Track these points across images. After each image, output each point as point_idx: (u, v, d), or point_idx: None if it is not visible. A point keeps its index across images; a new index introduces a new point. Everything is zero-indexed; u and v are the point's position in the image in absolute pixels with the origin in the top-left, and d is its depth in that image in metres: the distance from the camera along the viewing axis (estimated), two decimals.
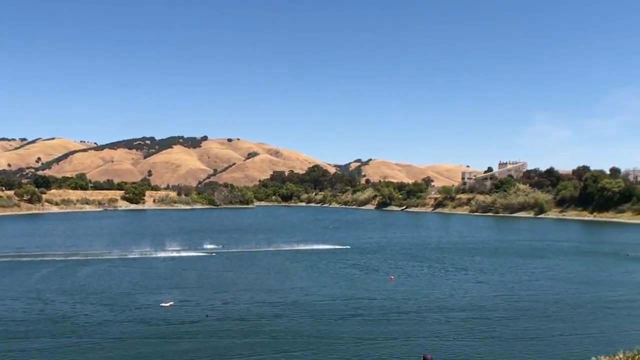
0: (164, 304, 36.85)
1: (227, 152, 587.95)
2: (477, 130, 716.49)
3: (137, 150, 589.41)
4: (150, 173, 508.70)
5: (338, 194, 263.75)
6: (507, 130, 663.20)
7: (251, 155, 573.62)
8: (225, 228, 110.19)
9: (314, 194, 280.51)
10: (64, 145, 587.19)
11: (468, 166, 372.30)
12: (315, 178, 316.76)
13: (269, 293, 42.00)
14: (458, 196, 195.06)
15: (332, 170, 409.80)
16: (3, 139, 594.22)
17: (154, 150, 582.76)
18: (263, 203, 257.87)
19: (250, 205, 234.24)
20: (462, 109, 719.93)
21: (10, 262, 57.61)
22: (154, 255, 63.22)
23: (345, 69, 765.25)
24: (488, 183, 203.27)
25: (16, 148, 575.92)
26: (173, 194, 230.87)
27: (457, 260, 62.15)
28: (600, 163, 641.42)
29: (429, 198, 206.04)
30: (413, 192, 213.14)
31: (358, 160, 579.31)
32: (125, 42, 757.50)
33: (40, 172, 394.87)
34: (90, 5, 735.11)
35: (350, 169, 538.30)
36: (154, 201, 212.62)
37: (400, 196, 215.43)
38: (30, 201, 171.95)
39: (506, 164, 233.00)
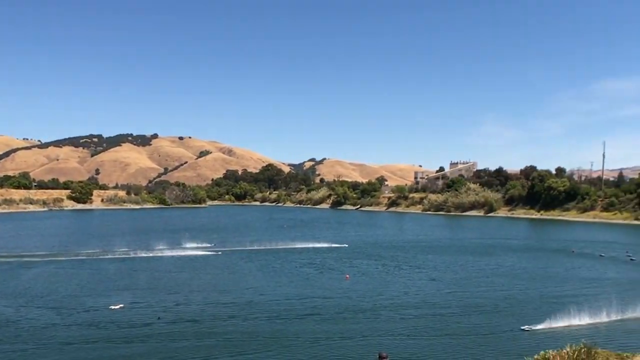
0: (113, 307, 35.63)
1: (179, 150, 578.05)
2: (429, 131, 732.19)
3: (83, 148, 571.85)
4: (97, 172, 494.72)
5: (292, 193, 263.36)
6: (458, 130, 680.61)
7: (203, 153, 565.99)
8: (177, 228, 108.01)
9: (268, 193, 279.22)
10: (6, 142, 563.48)
11: (420, 166, 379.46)
12: (269, 177, 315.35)
13: (222, 293, 41.29)
14: (411, 195, 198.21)
15: (286, 170, 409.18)
16: None
17: (101, 148, 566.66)
18: (216, 202, 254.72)
19: (203, 205, 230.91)
20: (415, 109, 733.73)
21: None
22: (103, 257, 61.23)
23: (299, 69, 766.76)
24: (440, 182, 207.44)
25: None
26: (122, 193, 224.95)
27: (410, 258, 62.96)
28: (547, 163, 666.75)
29: (383, 197, 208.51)
30: (367, 191, 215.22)
31: (312, 160, 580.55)
32: (69, 37, 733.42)
33: None
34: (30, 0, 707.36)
35: (304, 168, 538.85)
36: (102, 201, 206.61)
37: (354, 195, 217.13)
38: None
39: (457, 163, 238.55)
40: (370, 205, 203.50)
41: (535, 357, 16.70)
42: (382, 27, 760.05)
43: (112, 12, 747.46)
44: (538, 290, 43.56)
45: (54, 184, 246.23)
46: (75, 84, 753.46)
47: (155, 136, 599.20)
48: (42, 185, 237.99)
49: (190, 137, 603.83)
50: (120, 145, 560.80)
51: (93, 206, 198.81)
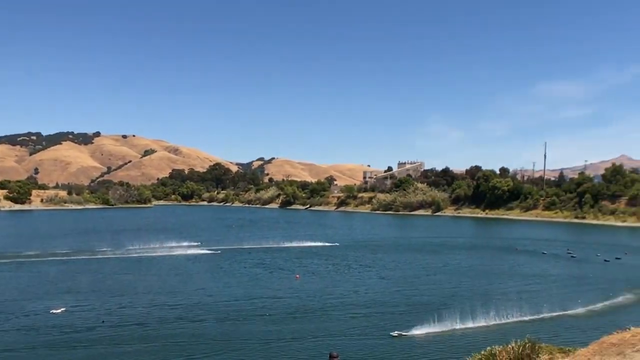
0: (54, 310, 34.07)
1: (122, 149, 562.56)
2: (378, 131, 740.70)
3: (21, 146, 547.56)
4: (37, 171, 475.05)
5: (241, 192, 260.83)
6: (405, 131, 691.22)
7: (148, 152, 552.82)
8: (121, 229, 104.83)
9: (215, 192, 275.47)
10: None
11: (369, 165, 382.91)
12: (217, 176, 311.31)
13: (169, 295, 40.25)
14: (360, 195, 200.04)
15: (234, 169, 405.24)
16: None
17: (40, 146, 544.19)
18: (162, 202, 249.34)
19: (148, 205, 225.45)
20: (363, 109, 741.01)
21: None
22: (44, 259, 58.59)
23: (246, 67, 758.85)
24: (388, 182, 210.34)
25: None
26: (63, 193, 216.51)
27: (360, 257, 63.38)
28: (491, 163, 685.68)
29: (332, 197, 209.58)
30: (316, 191, 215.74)
31: (261, 159, 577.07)
32: (4, 33, 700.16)
33: None
34: None
35: (252, 167, 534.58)
36: (42, 201, 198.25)
37: (303, 195, 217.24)
38: None
39: (405, 163, 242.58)
40: (320, 205, 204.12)
41: (482, 352, 16.91)
42: (331, 27, 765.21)
43: (49, 7, 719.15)
44: (483, 287, 44.71)
45: None
46: (13, 80, 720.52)
47: (97, 134, 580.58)
48: None
49: (134, 136, 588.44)
50: (61, 144, 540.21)
51: (32, 207, 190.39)
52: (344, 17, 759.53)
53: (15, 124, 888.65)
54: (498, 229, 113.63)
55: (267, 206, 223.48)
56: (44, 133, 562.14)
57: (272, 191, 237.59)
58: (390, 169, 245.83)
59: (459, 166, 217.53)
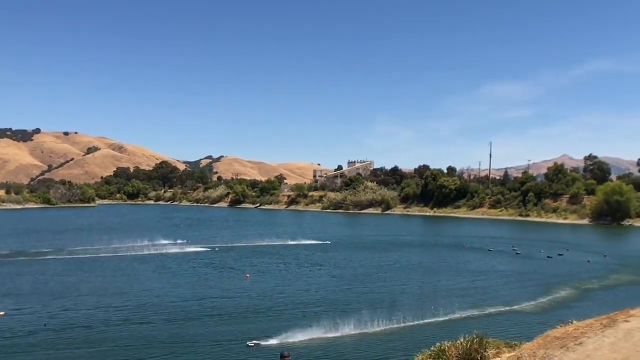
0: None
1: (64, 146, 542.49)
2: (328, 130, 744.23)
3: None
4: None
5: (189, 191, 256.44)
6: (355, 130, 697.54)
7: (91, 150, 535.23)
8: (64, 229, 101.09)
9: (163, 191, 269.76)
10: None
11: (319, 164, 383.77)
12: (164, 175, 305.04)
13: (115, 297, 39.07)
14: (311, 194, 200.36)
15: (182, 167, 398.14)
16: None
17: None
18: (106, 201, 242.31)
19: (92, 204, 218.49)
20: (313, 108, 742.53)
21: None
22: None
23: (194, 64, 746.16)
24: (339, 181, 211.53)
25: None
26: (1, 192, 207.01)
27: (311, 256, 63.44)
28: (439, 162, 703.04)
29: (283, 196, 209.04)
30: (267, 189, 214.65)
31: (209, 157, 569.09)
32: None
33: None
34: None
35: (201, 165, 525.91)
36: None
37: (253, 194, 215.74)
38: None
39: (355, 162, 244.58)
40: (270, 204, 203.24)
41: (432, 348, 17.16)
42: (281, 26, 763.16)
43: None
44: (432, 283, 45.58)
45: None
46: None
47: (37, 131, 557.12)
48: None
49: (76, 133, 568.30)
50: None
51: None
52: (295, 15, 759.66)
53: None
54: (446, 227, 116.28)
55: (216, 205, 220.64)
56: None
57: (221, 190, 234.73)
58: (340, 168, 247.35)
59: (408, 165, 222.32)
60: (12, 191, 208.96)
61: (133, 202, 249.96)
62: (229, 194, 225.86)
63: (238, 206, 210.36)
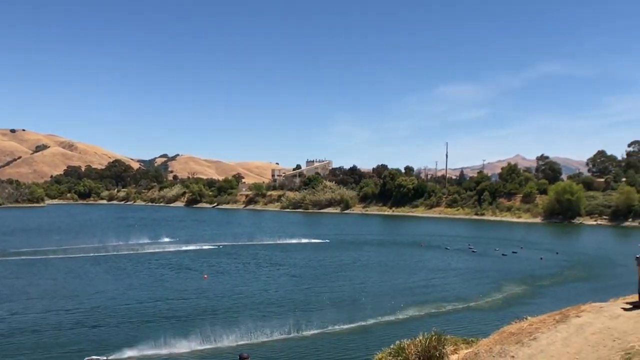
0: None
1: (10, 144, 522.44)
2: (286, 129, 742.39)
3: None
4: None
5: (143, 190, 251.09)
6: (313, 129, 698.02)
7: (40, 148, 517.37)
8: (10, 230, 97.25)
9: (116, 191, 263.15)
10: None
11: (278, 163, 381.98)
12: (117, 174, 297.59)
13: (67, 299, 37.82)
14: (269, 193, 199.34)
15: (136, 166, 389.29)
16: None
17: None
18: (56, 201, 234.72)
19: (41, 204, 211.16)
20: (271, 106, 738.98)
21: None
22: None
23: (148, 60, 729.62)
24: (297, 180, 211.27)
25: None
26: None
27: (270, 255, 63.05)
28: (397, 162, 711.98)
29: (240, 195, 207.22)
30: (224, 188, 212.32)
31: (164, 156, 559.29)
32: None
33: None
34: None
35: (155, 164, 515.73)
36: None
37: (210, 193, 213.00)
38: None
39: (313, 162, 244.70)
40: (228, 203, 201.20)
41: (392, 346, 17.32)
42: (239, 24, 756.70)
43: None
44: (391, 281, 45.98)
45: None
46: None
47: None
48: None
49: (24, 130, 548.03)
50: None
51: None
52: (251, 13, 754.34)
53: None
54: (404, 225, 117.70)
55: (172, 205, 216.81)
56: None
57: (177, 189, 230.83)
58: (299, 167, 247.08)
59: (366, 165, 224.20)
60: None
61: (85, 202, 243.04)
62: (185, 193, 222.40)
63: (194, 206, 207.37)
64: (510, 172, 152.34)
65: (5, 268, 51.94)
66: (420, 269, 53.43)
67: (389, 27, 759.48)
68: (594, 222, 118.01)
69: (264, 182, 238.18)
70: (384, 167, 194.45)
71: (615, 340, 11.45)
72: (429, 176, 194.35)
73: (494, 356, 13.04)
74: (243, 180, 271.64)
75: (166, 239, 79.10)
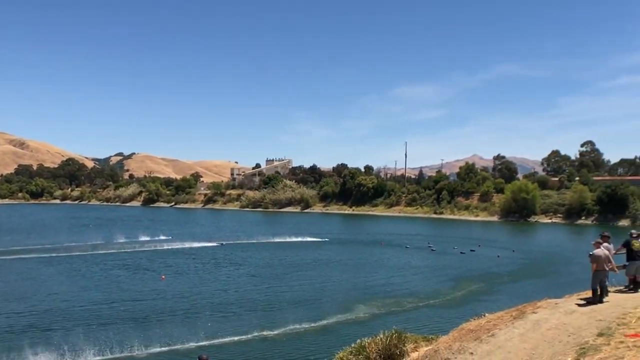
0: None
1: None
2: (245, 127, 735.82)
3: None
4: None
5: (98, 190, 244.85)
6: (273, 128, 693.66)
7: None
8: None
9: (69, 190, 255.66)
10: None
11: (237, 162, 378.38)
12: (71, 172, 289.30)
13: (17, 302, 36.49)
14: (228, 192, 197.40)
15: (90, 164, 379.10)
16: None
17: None
18: (6, 201, 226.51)
19: None
20: (229, 105, 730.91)
21: None
22: None
23: (101, 52, 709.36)
24: (257, 179, 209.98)
25: None
26: None
27: (230, 255, 62.41)
28: (356, 161, 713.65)
29: (199, 194, 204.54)
30: (182, 187, 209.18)
31: (119, 154, 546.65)
32: None
33: None
34: None
35: (110, 162, 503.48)
36: None
37: (168, 192, 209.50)
38: None
39: (273, 160, 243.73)
40: (186, 203, 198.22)
41: (353, 345, 17.45)
42: (197, 21, 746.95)
43: None
44: (351, 280, 46.16)
45: None
46: None
47: None
48: None
49: None
50: None
51: None
52: (212, 9, 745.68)
53: None
54: (364, 224, 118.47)
55: (128, 204, 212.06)
56: None
57: (133, 188, 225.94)
58: (258, 165, 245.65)
59: (326, 164, 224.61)
60: None
61: (37, 202, 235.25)
62: (141, 192, 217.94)
63: (151, 205, 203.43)
64: (468, 171, 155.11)
65: None
66: (381, 268, 53.87)
67: (347, 27, 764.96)
68: (549, 221, 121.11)
69: (222, 181, 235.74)
70: (344, 166, 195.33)
71: (570, 335, 11.82)
72: (388, 175, 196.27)
73: (453, 353, 13.28)
74: (201, 179, 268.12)
75: (122, 239, 77.31)
